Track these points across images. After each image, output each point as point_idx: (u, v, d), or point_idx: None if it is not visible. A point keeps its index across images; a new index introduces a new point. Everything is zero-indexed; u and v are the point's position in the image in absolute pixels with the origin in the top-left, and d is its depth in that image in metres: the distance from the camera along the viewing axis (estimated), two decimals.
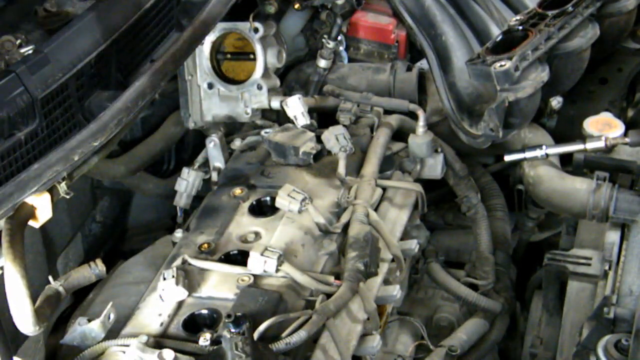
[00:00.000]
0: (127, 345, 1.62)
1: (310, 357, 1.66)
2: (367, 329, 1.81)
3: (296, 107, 2.16)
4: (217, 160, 2.26)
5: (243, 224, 1.97)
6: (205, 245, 1.91)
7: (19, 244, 1.44)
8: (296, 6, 2.46)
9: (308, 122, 2.17)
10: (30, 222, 1.47)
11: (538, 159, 2.13)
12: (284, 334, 1.60)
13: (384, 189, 2.13)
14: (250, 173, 2.14)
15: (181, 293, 1.75)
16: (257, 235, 1.92)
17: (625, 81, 2.48)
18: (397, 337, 2.13)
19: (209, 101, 2.40)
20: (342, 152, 2.10)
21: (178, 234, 2.05)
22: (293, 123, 2.21)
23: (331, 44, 2.48)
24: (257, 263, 1.75)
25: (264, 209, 2.01)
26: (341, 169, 2.07)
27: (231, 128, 2.46)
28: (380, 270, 1.90)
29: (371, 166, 2.12)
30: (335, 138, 2.11)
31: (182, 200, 2.27)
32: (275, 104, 2.36)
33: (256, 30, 2.32)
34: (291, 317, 1.64)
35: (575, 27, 2.07)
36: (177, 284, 1.74)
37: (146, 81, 1.62)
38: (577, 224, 2.25)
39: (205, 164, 2.29)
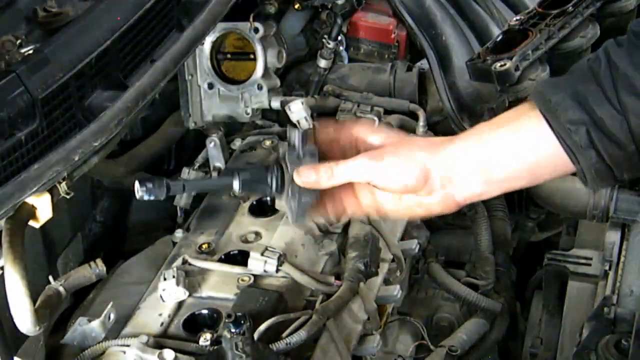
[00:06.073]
0: (128, 345, 1.62)
1: (310, 357, 1.66)
2: (367, 329, 1.81)
3: (299, 111, 2.13)
4: (217, 160, 2.26)
5: (243, 224, 1.97)
6: (206, 245, 1.90)
7: (19, 244, 1.43)
8: (296, 6, 2.46)
9: (311, 126, 2.14)
10: (31, 222, 1.47)
11: None
12: (284, 334, 1.60)
13: None
14: None
15: (181, 293, 1.75)
16: (258, 235, 1.92)
17: None
18: (397, 337, 2.13)
19: (209, 101, 2.39)
20: None
21: (178, 234, 2.05)
22: (295, 125, 2.20)
23: (331, 44, 2.48)
24: (257, 263, 1.75)
25: (264, 208, 2.01)
26: None
27: (231, 128, 2.46)
28: (381, 270, 1.90)
29: None
30: None
31: (182, 200, 2.26)
32: (276, 104, 2.35)
33: (256, 30, 2.32)
34: (291, 317, 1.65)
35: (575, 27, 2.07)
36: (177, 284, 1.74)
37: (146, 81, 1.61)
38: (577, 224, 2.25)
39: (205, 164, 2.28)
